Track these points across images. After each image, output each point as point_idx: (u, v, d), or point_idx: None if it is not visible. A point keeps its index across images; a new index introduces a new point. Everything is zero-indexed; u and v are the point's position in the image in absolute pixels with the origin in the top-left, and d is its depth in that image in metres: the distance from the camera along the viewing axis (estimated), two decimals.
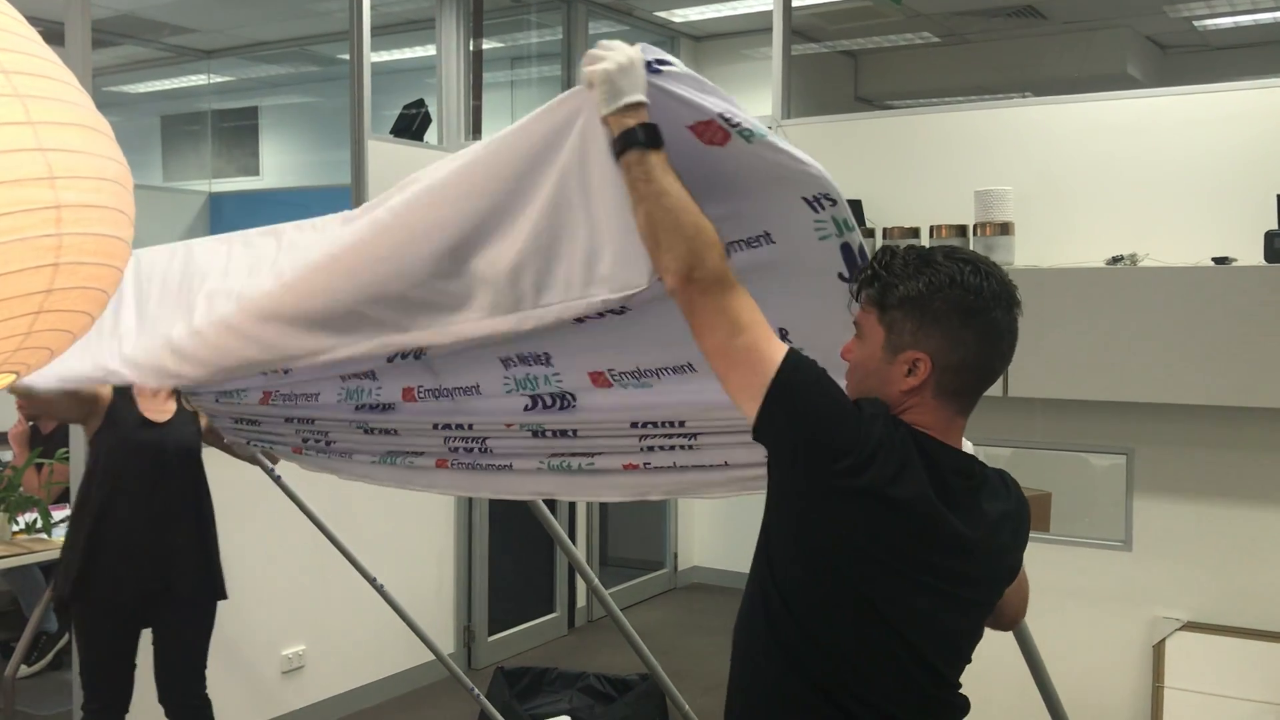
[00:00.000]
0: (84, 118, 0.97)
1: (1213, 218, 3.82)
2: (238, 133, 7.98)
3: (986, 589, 1.78)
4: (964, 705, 1.81)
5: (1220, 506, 3.81)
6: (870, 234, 4.19)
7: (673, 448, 2.28)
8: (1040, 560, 4.07)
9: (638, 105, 1.66)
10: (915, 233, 4.09)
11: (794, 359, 1.62)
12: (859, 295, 1.75)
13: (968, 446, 1.86)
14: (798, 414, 1.61)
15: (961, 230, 4.00)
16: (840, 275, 1.89)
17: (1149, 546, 3.92)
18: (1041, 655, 3.92)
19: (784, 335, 2.00)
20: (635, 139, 1.65)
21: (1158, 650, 3.85)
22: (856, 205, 4.35)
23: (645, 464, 2.33)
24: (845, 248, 1.89)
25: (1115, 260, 3.82)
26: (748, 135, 1.74)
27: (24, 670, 4.61)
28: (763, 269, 1.92)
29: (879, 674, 1.68)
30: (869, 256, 1.89)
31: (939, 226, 4.03)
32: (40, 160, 0.90)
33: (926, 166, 4.31)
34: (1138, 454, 3.92)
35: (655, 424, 2.23)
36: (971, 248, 3.98)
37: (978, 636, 1.81)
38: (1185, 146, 3.88)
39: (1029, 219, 3.99)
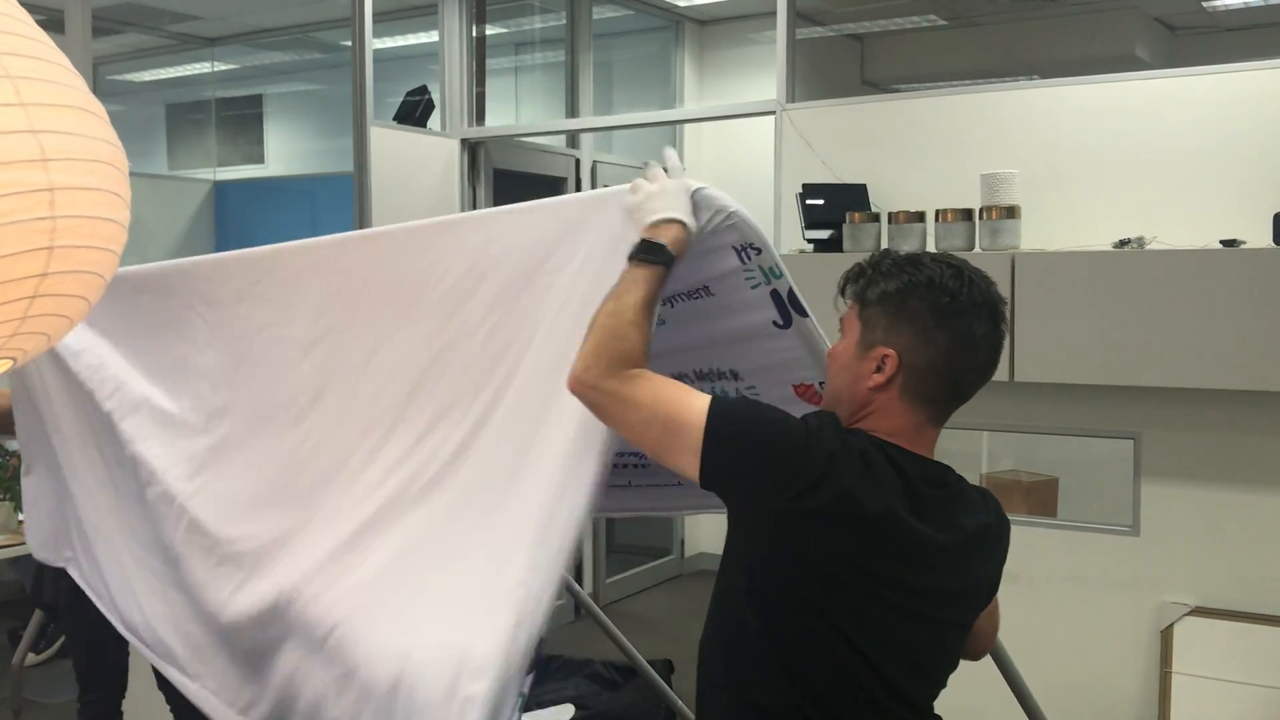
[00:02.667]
0: (77, 100, 0.96)
1: (1221, 200, 3.79)
2: (242, 121, 7.96)
3: (960, 607, 1.73)
4: None
5: (1228, 491, 3.79)
6: (875, 219, 4.17)
7: None
8: (1047, 546, 4.08)
9: (660, 224, 1.75)
10: (920, 217, 4.07)
11: (718, 408, 1.62)
12: (844, 292, 1.76)
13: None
14: (736, 458, 1.61)
15: (968, 214, 3.98)
16: (774, 323, 1.97)
17: (1156, 531, 3.90)
18: (1049, 640, 3.92)
19: (736, 375, 2.17)
20: (635, 251, 1.75)
21: (1165, 635, 3.84)
22: (861, 190, 4.33)
23: None
24: (774, 294, 1.95)
25: (1122, 243, 3.80)
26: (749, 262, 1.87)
27: (32, 658, 4.62)
28: (706, 318, 2.04)
29: (845, 699, 1.63)
30: (800, 301, 1.96)
31: (945, 210, 4.01)
32: (32, 142, 0.88)
33: (932, 150, 4.28)
34: (1145, 438, 3.91)
35: None
36: (977, 232, 3.96)
37: (952, 659, 1.76)
38: (1193, 128, 3.86)
39: (1035, 202, 3.97)
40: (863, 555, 1.59)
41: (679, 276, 1.93)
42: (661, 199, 1.76)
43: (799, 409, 1.79)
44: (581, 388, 1.67)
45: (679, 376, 2.26)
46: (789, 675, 1.62)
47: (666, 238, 1.74)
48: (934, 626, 1.68)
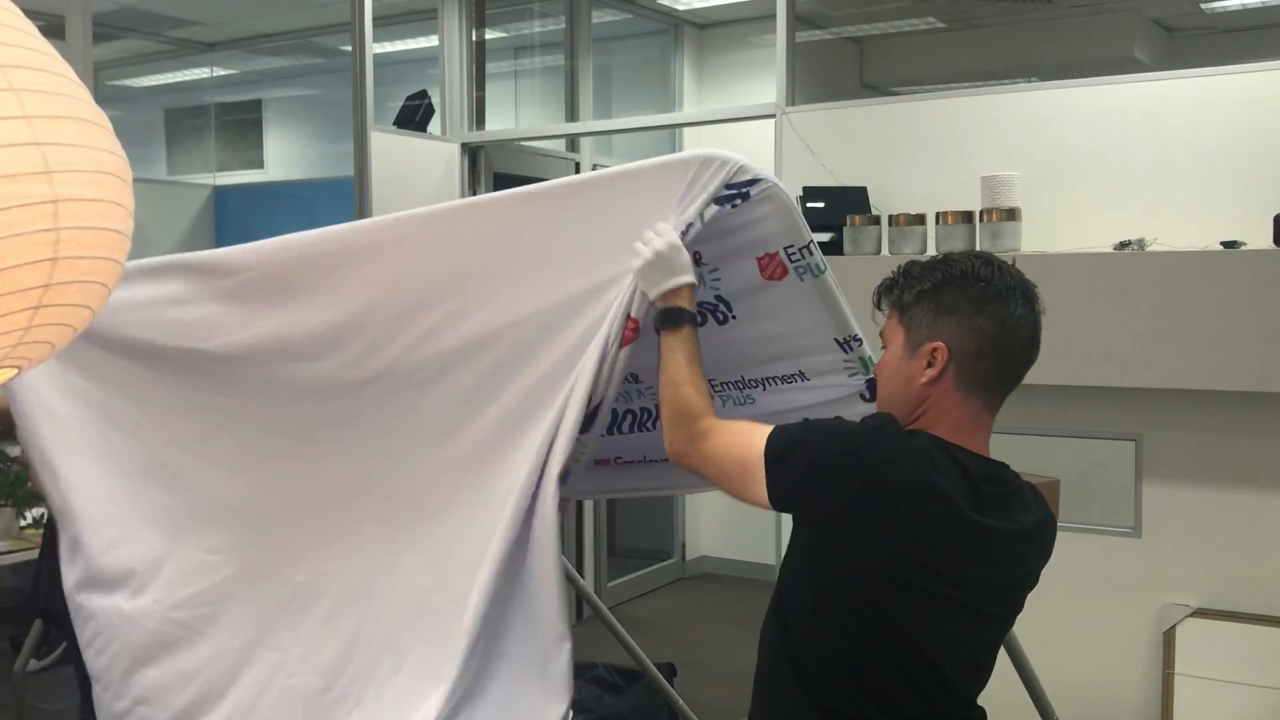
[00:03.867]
0: (81, 111, 0.96)
1: (1221, 201, 3.80)
2: (241, 126, 7.96)
3: (1009, 599, 1.80)
4: None
5: (1230, 492, 3.80)
6: (876, 221, 4.18)
7: None
8: None
9: (673, 290, 1.85)
10: (921, 219, 4.07)
11: (775, 435, 1.71)
12: (880, 304, 1.83)
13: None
14: (796, 475, 1.68)
15: (968, 216, 3.98)
16: (861, 395, 2.10)
17: (1159, 533, 3.90)
18: (1052, 642, 3.92)
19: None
20: (656, 324, 1.87)
21: (1168, 637, 3.84)
22: (862, 192, 4.33)
23: None
24: (870, 383, 2.07)
25: (1123, 245, 3.80)
26: (801, 273, 1.96)
27: (33, 665, 4.62)
28: (796, 398, 2.16)
29: (899, 695, 1.68)
30: None
31: (945, 213, 4.01)
32: (37, 155, 0.89)
33: (932, 153, 4.29)
34: (1146, 440, 3.91)
35: None
36: (978, 234, 3.96)
37: (995, 653, 1.82)
38: (1193, 130, 3.86)
39: (1036, 204, 3.97)
40: (924, 551, 1.63)
41: (778, 364, 2.10)
42: (660, 267, 1.85)
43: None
44: (677, 458, 1.82)
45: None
46: (850, 674, 1.68)
47: (683, 301, 1.86)
48: (985, 622, 1.75)
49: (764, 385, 2.20)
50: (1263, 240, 3.61)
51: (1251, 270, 3.52)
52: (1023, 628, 3.99)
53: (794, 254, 1.95)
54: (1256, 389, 3.57)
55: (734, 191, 1.87)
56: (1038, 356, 1.77)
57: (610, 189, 2.00)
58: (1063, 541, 4.04)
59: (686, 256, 1.85)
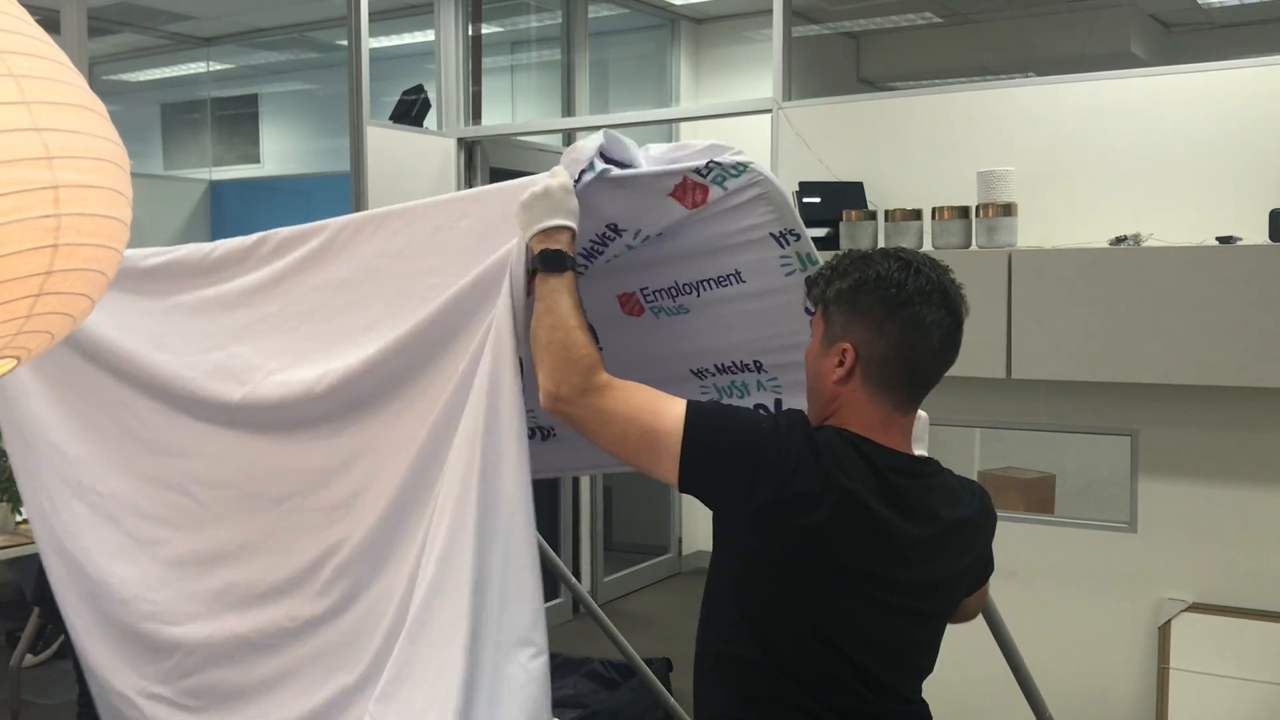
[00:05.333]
0: (79, 98, 0.96)
1: (1217, 197, 3.80)
2: (238, 120, 7.95)
3: (939, 598, 1.76)
4: (920, 716, 1.81)
5: (1226, 487, 3.80)
6: (872, 216, 4.18)
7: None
8: (1044, 543, 4.08)
9: (551, 230, 1.79)
10: (917, 215, 4.07)
11: (693, 414, 1.67)
12: (809, 294, 1.83)
13: (922, 440, 1.88)
14: (712, 463, 1.65)
15: (964, 212, 3.98)
16: (806, 309, 1.97)
17: (1154, 528, 3.91)
18: (1047, 637, 3.93)
19: (759, 367, 2.21)
20: (535, 264, 1.79)
21: (1163, 632, 3.85)
22: (858, 187, 4.33)
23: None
24: (809, 280, 1.94)
25: (1119, 240, 3.80)
26: (721, 179, 1.87)
27: (29, 659, 4.62)
28: (730, 302, 2.06)
29: (829, 690, 1.67)
30: None
31: (941, 208, 4.01)
32: (37, 140, 0.89)
33: (928, 148, 4.29)
34: (1142, 435, 3.91)
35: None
36: (974, 229, 3.96)
37: (935, 646, 1.80)
38: (1189, 125, 3.86)
39: (1032, 200, 3.97)
40: (836, 550, 1.63)
41: (713, 257, 1.97)
42: (546, 202, 1.79)
43: None
44: (560, 405, 1.72)
45: (700, 373, 2.26)
46: (778, 667, 1.66)
47: (563, 245, 1.79)
48: (913, 617, 1.72)
49: (698, 290, 2.10)
50: (1258, 235, 3.61)
51: (1247, 265, 3.52)
52: (1018, 622, 4.00)
53: (705, 171, 1.87)
54: (1252, 384, 3.57)
55: (613, 159, 1.84)
56: (955, 359, 1.76)
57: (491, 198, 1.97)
58: (1058, 537, 4.08)
59: (575, 203, 1.80)
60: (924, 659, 1.79)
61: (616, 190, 1.88)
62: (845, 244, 4.15)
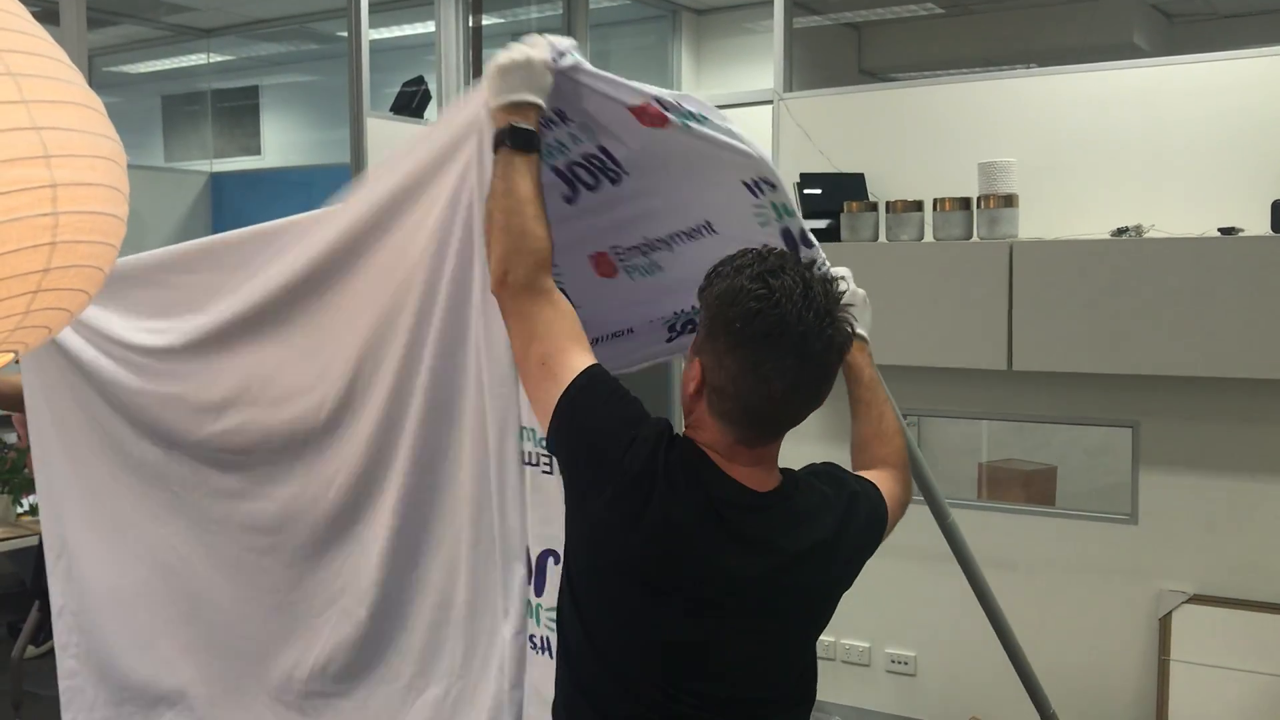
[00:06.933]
0: (77, 96, 0.96)
1: (1219, 188, 3.79)
2: (238, 112, 7.94)
3: (779, 619, 1.61)
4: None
5: (1227, 479, 3.80)
6: (873, 208, 4.17)
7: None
8: (1045, 535, 4.08)
9: (519, 105, 1.68)
10: (918, 206, 4.07)
11: (585, 378, 1.57)
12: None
13: (863, 320, 1.86)
14: (574, 436, 1.58)
15: (965, 203, 3.98)
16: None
17: (1155, 520, 3.91)
18: (1048, 628, 3.93)
19: None
20: (503, 138, 1.67)
21: (1164, 623, 3.85)
22: (859, 179, 4.32)
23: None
24: (785, 233, 1.89)
25: (1121, 232, 3.80)
26: (685, 118, 1.77)
27: (31, 650, 4.63)
28: (705, 255, 1.91)
29: (649, 691, 1.57)
30: (812, 240, 1.90)
31: (942, 200, 4.01)
32: (35, 139, 0.89)
33: (930, 139, 4.28)
34: (1143, 427, 3.91)
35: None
36: (975, 220, 3.96)
37: (783, 655, 1.65)
38: (1191, 116, 3.85)
39: (1033, 191, 3.97)
40: (655, 573, 1.53)
41: (682, 206, 1.90)
42: (522, 73, 1.69)
43: None
44: (504, 291, 1.64)
45: (670, 326, 2.21)
46: (595, 653, 1.59)
47: (531, 123, 1.68)
48: (751, 636, 1.59)
49: (670, 245, 2.01)
50: (1260, 226, 3.61)
51: (1249, 256, 3.51)
52: (1019, 614, 4.01)
53: (666, 104, 1.76)
54: (1254, 376, 3.57)
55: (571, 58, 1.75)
56: (817, 403, 1.54)
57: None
58: (1059, 529, 4.08)
59: (548, 79, 1.69)
60: (771, 668, 1.63)
61: (579, 87, 1.77)
62: (846, 235, 4.15)
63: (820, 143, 4.42)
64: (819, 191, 4.28)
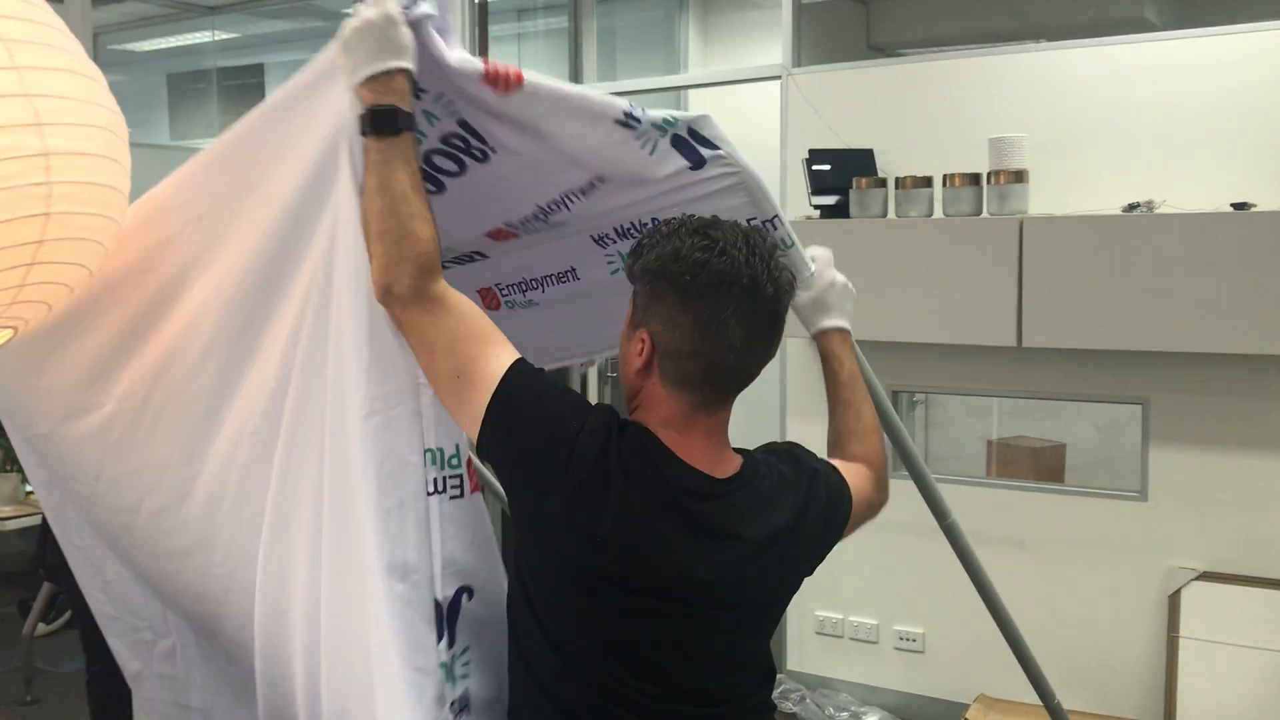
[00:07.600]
0: (73, 64, 0.94)
1: (1231, 162, 3.76)
2: (244, 90, 7.91)
3: (744, 607, 1.59)
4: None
5: (1237, 456, 3.78)
6: (882, 184, 4.14)
7: None
8: (1055, 512, 4.07)
9: (382, 75, 1.51)
10: (928, 182, 4.04)
11: (510, 377, 1.49)
12: (625, 269, 1.60)
13: (845, 309, 1.82)
14: (513, 440, 1.49)
15: (975, 179, 3.95)
16: (688, 169, 1.77)
17: (1165, 497, 3.89)
18: (1058, 605, 3.92)
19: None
20: (364, 125, 1.52)
21: (1173, 600, 3.84)
22: (868, 155, 4.29)
23: None
24: (677, 140, 1.76)
25: (1132, 207, 3.77)
26: (532, 87, 1.69)
27: (42, 628, 4.65)
28: (607, 206, 1.87)
29: (619, 689, 1.53)
30: (705, 136, 1.75)
31: (952, 175, 3.98)
32: (26, 106, 0.87)
33: (940, 114, 4.24)
34: (1154, 403, 3.89)
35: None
36: (985, 196, 3.93)
37: (748, 641, 1.62)
38: (1203, 90, 3.81)
39: (1044, 166, 3.94)
40: (615, 568, 1.49)
41: (569, 173, 1.78)
42: (370, 41, 1.51)
43: None
44: (391, 303, 1.52)
45: (601, 239, 2.03)
46: (552, 647, 1.54)
47: (397, 98, 1.51)
48: (714, 623, 1.56)
49: (567, 204, 1.88)
50: (1273, 202, 3.58)
51: (1261, 232, 3.48)
52: (1028, 591, 4.01)
53: (513, 75, 1.67)
54: (1265, 352, 3.55)
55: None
56: (774, 350, 1.54)
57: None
58: (1069, 506, 4.07)
59: (408, 37, 1.51)
60: (732, 661, 1.61)
61: (434, 45, 1.60)
62: (855, 211, 4.13)
63: (829, 118, 4.38)
64: (828, 167, 4.25)
